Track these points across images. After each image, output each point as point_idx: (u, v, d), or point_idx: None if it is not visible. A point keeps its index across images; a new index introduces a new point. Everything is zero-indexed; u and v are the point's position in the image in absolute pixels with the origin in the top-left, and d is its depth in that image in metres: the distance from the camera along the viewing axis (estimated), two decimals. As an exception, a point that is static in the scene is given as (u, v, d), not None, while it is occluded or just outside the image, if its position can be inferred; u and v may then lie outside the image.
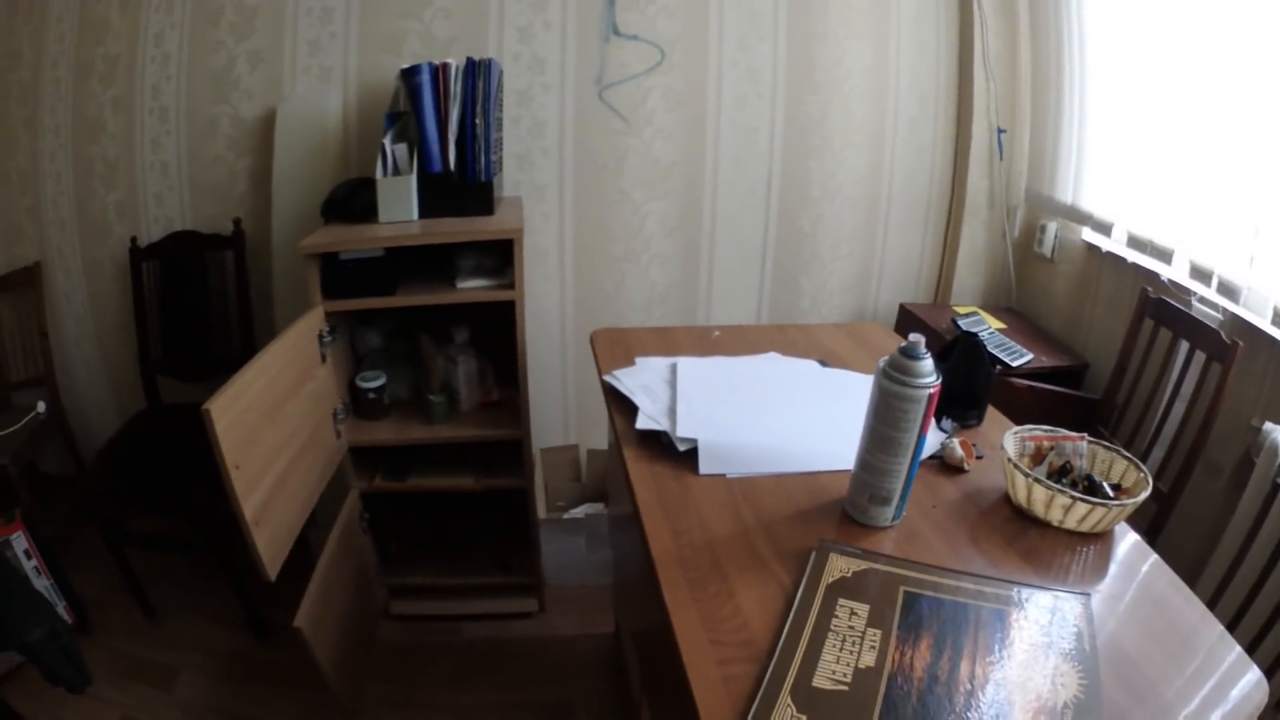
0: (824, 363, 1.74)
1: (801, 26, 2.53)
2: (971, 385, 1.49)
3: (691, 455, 1.36)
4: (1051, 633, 0.98)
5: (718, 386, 1.60)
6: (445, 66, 2.08)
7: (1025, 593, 1.04)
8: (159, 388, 2.65)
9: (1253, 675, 0.95)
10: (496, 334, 2.21)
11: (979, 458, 1.38)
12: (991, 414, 1.55)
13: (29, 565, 2.13)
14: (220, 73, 2.44)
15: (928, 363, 1.08)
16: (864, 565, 1.09)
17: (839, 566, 1.08)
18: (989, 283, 2.83)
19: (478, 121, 2.10)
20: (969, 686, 0.89)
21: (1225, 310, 2.02)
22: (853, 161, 2.69)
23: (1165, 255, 2.19)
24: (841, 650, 0.94)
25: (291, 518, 1.76)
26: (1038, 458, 1.29)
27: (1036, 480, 1.17)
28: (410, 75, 2.08)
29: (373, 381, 2.20)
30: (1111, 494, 1.19)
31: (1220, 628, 1.02)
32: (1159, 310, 2.12)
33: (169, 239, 2.55)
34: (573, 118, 2.54)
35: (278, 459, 1.71)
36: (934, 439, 1.40)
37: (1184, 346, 2.04)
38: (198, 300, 2.58)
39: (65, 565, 2.27)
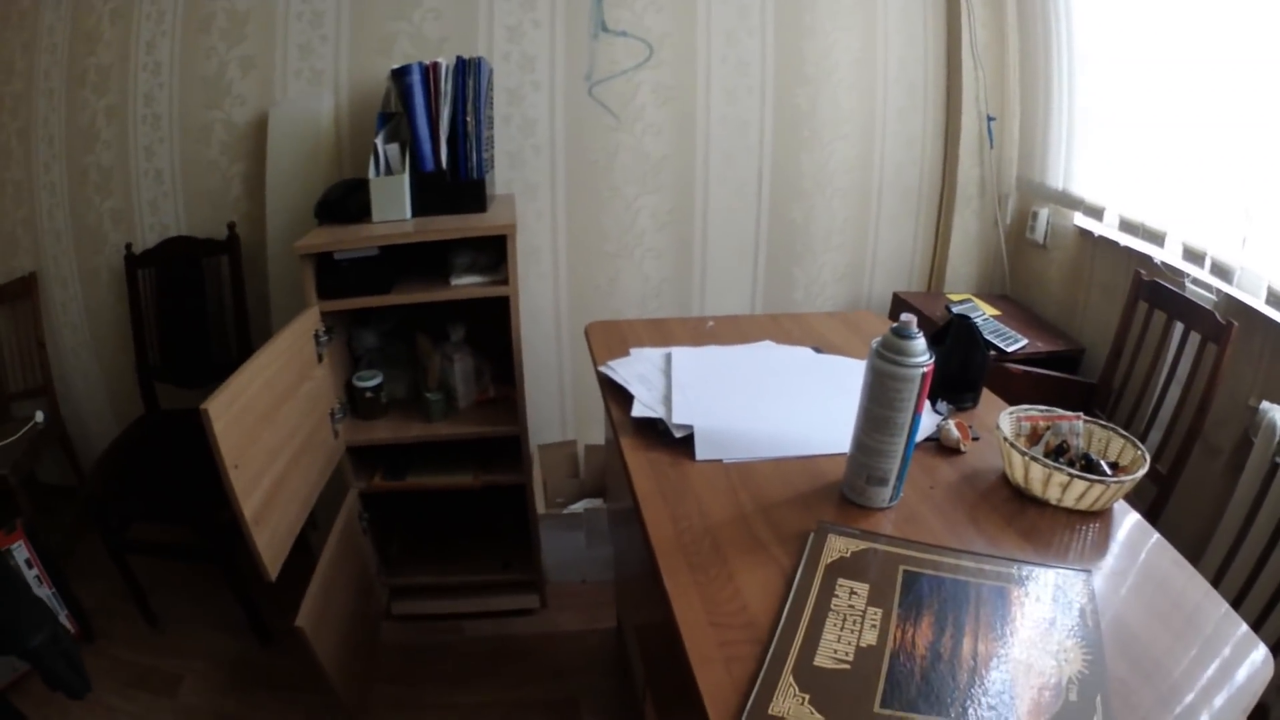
0: (818, 350, 1.73)
1: (789, 20, 2.52)
2: (966, 368, 1.48)
3: (688, 442, 1.35)
4: (1053, 609, 0.96)
5: (713, 375, 1.58)
6: (436, 66, 2.07)
7: (1026, 570, 1.03)
8: (157, 395, 2.63)
9: (1259, 652, 0.93)
10: (492, 332, 2.19)
11: (975, 439, 1.37)
12: (987, 397, 1.54)
13: (30, 575, 2.12)
14: (212, 79, 2.43)
15: (920, 342, 1.07)
16: (863, 545, 1.07)
17: (838, 547, 1.07)
18: (982, 270, 2.81)
19: (469, 119, 2.09)
20: (972, 664, 0.88)
21: (1219, 291, 2.00)
22: (843, 153, 2.68)
23: (1158, 238, 2.18)
24: (843, 630, 0.92)
25: (291, 517, 1.74)
26: (1034, 438, 1.28)
27: (1033, 459, 1.15)
28: (401, 75, 2.06)
29: (370, 381, 2.18)
30: (1109, 472, 1.18)
31: (1225, 605, 1.00)
32: (1153, 293, 2.10)
33: (164, 245, 2.53)
34: (563, 115, 2.52)
35: (276, 459, 1.70)
36: (930, 421, 1.39)
37: (1179, 328, 2.03)
38: (194, 306, 2.56)
39: (68, 575, 2.26)
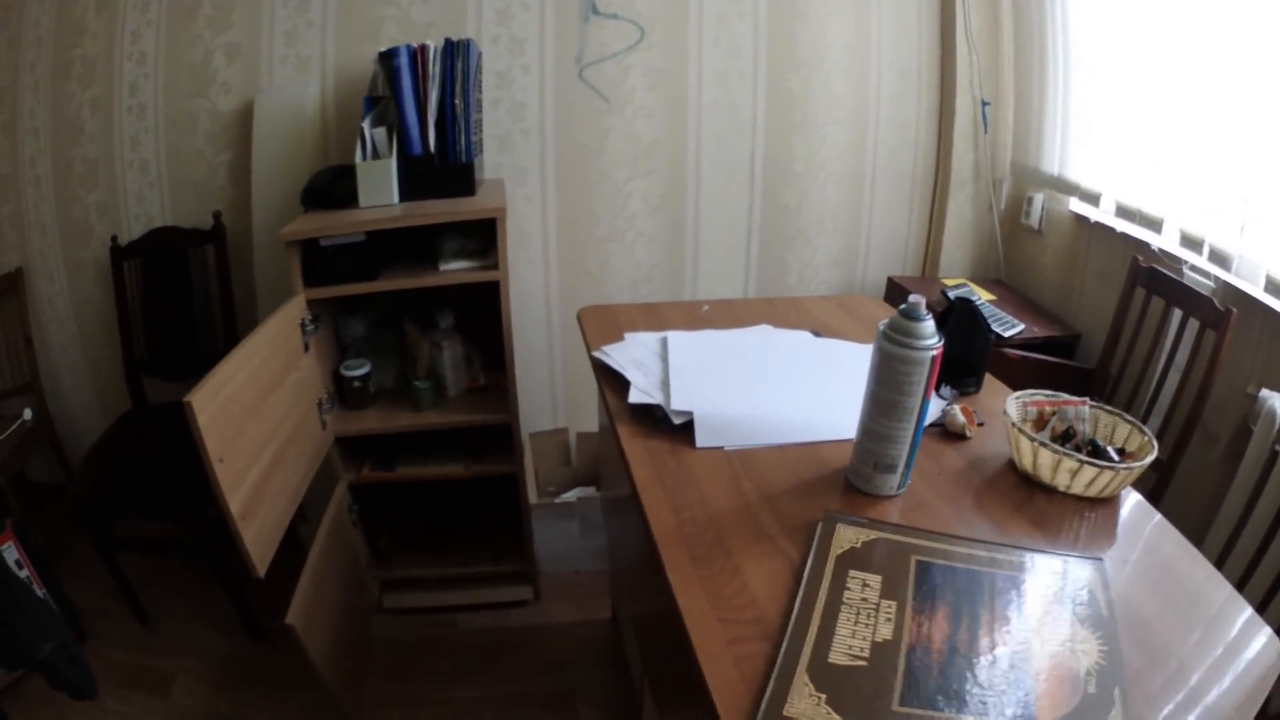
0: (817, 334, 1.67)
1: (781, 3, 2.45)
2: (969, 352, 1.43)
3: (687, 429, 1.29)
4: (1067, 598, 0.92)
5: (710, 359, 1.53)
6: (424, 48, 2.00)
7: (1038, 558, 0.99)
8: (144, 389, 2.56)
9: (1264, 634, 0.91)
10: (482, 318, 2.13)
11: (980, 424, 1.32)
12: (989, 381, 1.49)
13: (21, 576, 2.04)
14: (198, 67, 2.36)
15: (929, 324, 1.03)
16: (873, 535, 1.02)
17: (847, 537, 1.02)
18: (976, 255, 2.77)
19: (457, 102, 2.02)
20: (990, 657, 0.83)
21: (1217, 278, 1.95)
22: (836, 137, 2.62)
23: (1155, 224, 2.13)
24: (856, 624, 0.87)
25: (279, 511, 1.68)
26: (1040, 423, 1.24)
27: (1042, 444, 1.11)
28: (388, 58, 1.99)
29: (357, 370, 2.12)
30: (1116, 458, 1.14)
31: (1230, 588, 0.98)
32: (1151, 279, 2.05)
33: (149, 236, 2.46)
34: (553, 98, 2.46)
35: (263, 451, 1.63)
36: (934, 406, 1.34)
37: (1177, 315, 1.98)
38: (180, 297, 2.49)
39: (59, 575, 2.20)
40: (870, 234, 2.76)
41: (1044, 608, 0.91)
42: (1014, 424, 1.16)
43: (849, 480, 1.16)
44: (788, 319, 1.76)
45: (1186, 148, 2.01)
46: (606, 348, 1.57)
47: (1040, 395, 1.24)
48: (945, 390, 1.41)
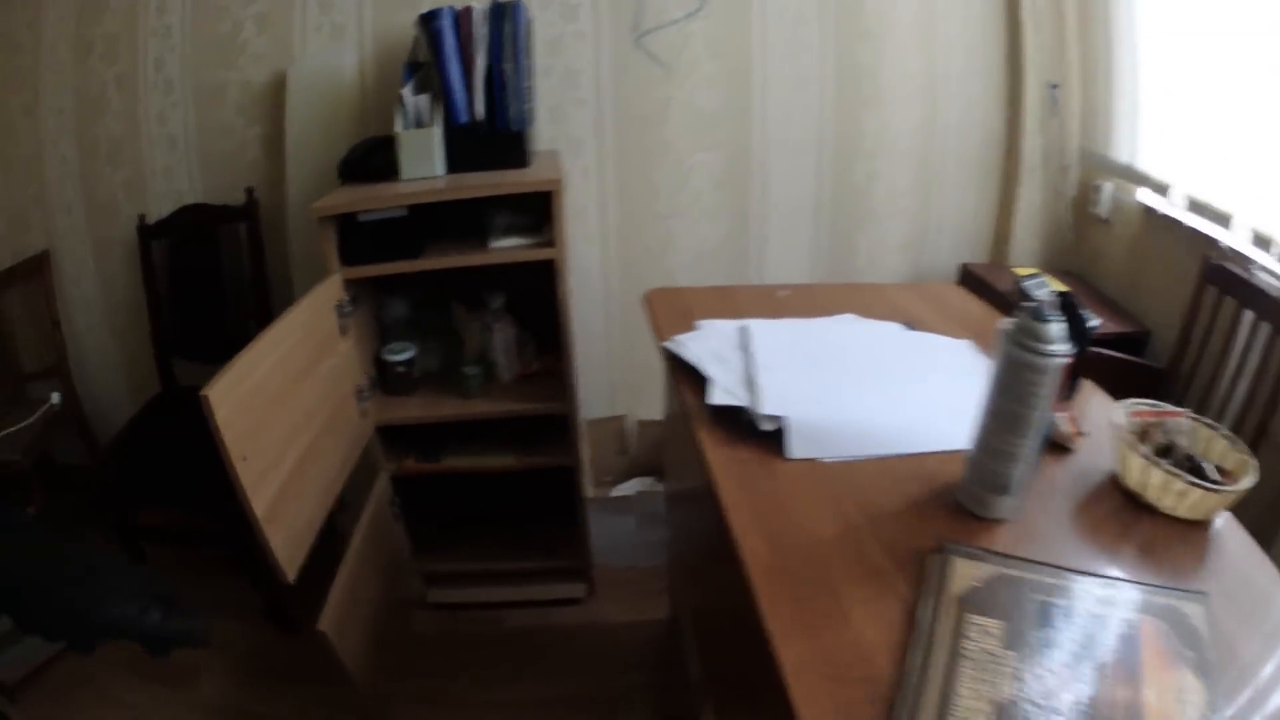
0: (909, 326, 1.46)
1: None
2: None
3: (776, 435, 1.10)
4: (1182, 641, 0.81)
5: (796, 353, 1.33)
6: (468, 10, 1.82)
7: (1152, 595, 0.86)
8: (174, 371, 2.40)
9: None
10: (534, 299, 1.94)
11: (1083, 434, 1.15)
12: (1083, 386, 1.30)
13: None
14: (226, 39, 2.20)
15: (1061, 326, 0.89)
16: (992, 570, 0.88)
17: (965, 573, 0.88)
18: (1045, 244, 2.54)
19: (506, 66, 1.81)
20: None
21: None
22: (905, 114, 2.40)
23: (1225, 220, 1.92)
24: (979, 681, 0.75)
25: (310, 511, 1.50)
26: (1143, 436, 1.08)
27: (1155, 464, 0.98)
28: (430, 20, 1.80)
29: (400, 354, 1.94)
30: (1218, 477, 1.01)
31: None
32: (1222, 278, 1.85)
33: (178, 214, 2.29)
34: (609, 67, 2.24)
35: (292, 446, 1.44)
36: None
37: (1248, 316, 1.78)
38: (211, 276, 2.32)
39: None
40: (941, 217, 2.54)
41: (1162, 654, 0.79)
42: (1125, 440, 1.02)
43: (959, 500, 1.00)
44: (871, 308, 1.56)
45: (1261, 140, 1.80)
46: (680, 337, 1.38)
47: (1143, 405, 1.10)
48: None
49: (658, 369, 1.60)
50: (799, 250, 2.51)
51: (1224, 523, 0.99)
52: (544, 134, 2.25)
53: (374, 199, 1.74)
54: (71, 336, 2.49)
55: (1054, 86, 2.35)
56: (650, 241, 2.45)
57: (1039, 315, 0.88)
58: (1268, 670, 0.79)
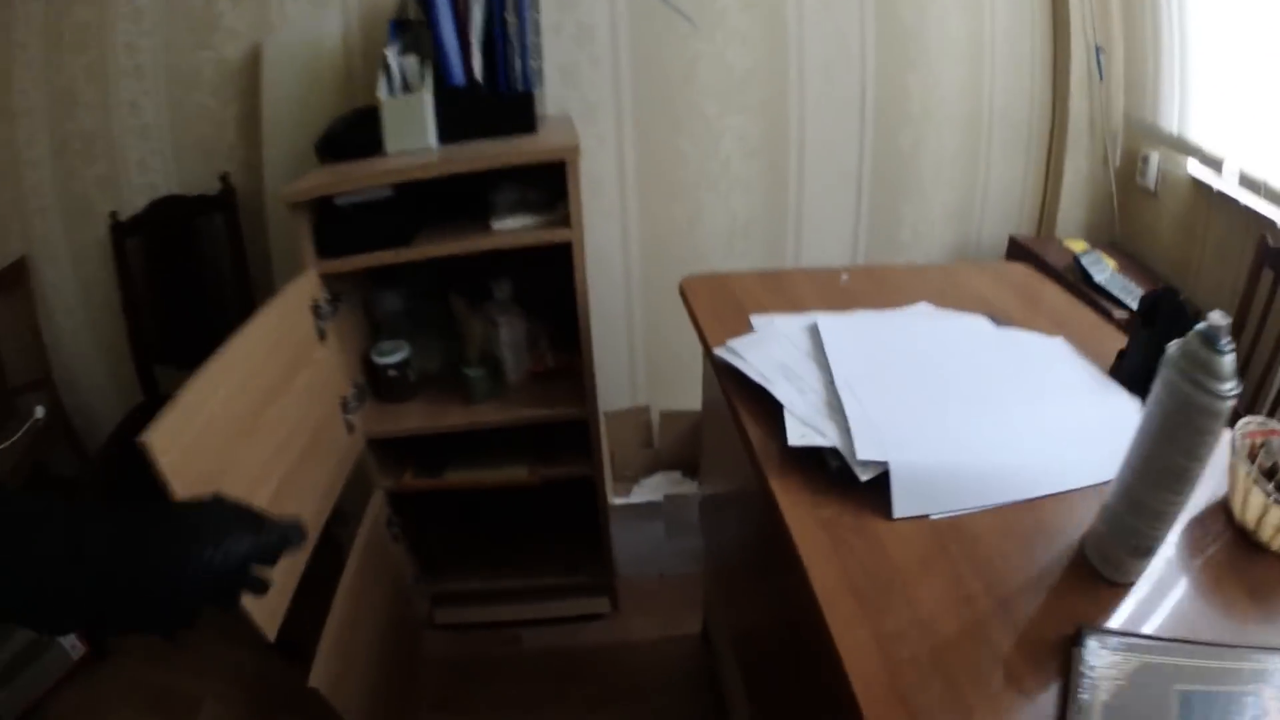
0: (996, 320, 1.18)
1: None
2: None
3: (871, 484, 0.84)
4: None
5: (879, 362, 1.04)
6: (462, -47, 1.53)
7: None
8: (157, 379, 2.17)
9: None
10: (545, 286, 1.68)
11: None
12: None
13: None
14: (198, 15, 1.96)
15: (1233, 358, 0.67)
16: (1135, 660, 0.68)
17: (1108, 669, 0.66)
18: (1090, 215, 2.29)
19: (509, 18, 1.53)
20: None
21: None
22: (952, 76, 2.14)
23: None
24: None
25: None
26: (1250, 456, 0.86)
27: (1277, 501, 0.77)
28: (417, -35, 1.51)
29: (392, 355, 1.69)
30: None
31: None
32: (1278, 261, 1.62)
33: (151, 208, 2.05)
34: (627, 20, 1.97)
35: (263, 485, 1.19)
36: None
37: None
38: (190, 275, 2.09)
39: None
40: (987, 186, 2.29)
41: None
42: (1247, 471, 0.80)
43: (1087, 558, 0.78)
44: (945, 295, 1.29)
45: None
46: (734, 343, 1.10)
47: (1253, 423, 0.88)
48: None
49: (683, 356, 1.34)
50: (841, 223, 2.25)
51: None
52: (554, 96, 1.99)
53: (352, 178, 1.48)
54: (55, 345, 2.28)
55: (1099, 50, 2.11)
56: (677, 216, 2.19)
57: (1214, 343, 0.65)
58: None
